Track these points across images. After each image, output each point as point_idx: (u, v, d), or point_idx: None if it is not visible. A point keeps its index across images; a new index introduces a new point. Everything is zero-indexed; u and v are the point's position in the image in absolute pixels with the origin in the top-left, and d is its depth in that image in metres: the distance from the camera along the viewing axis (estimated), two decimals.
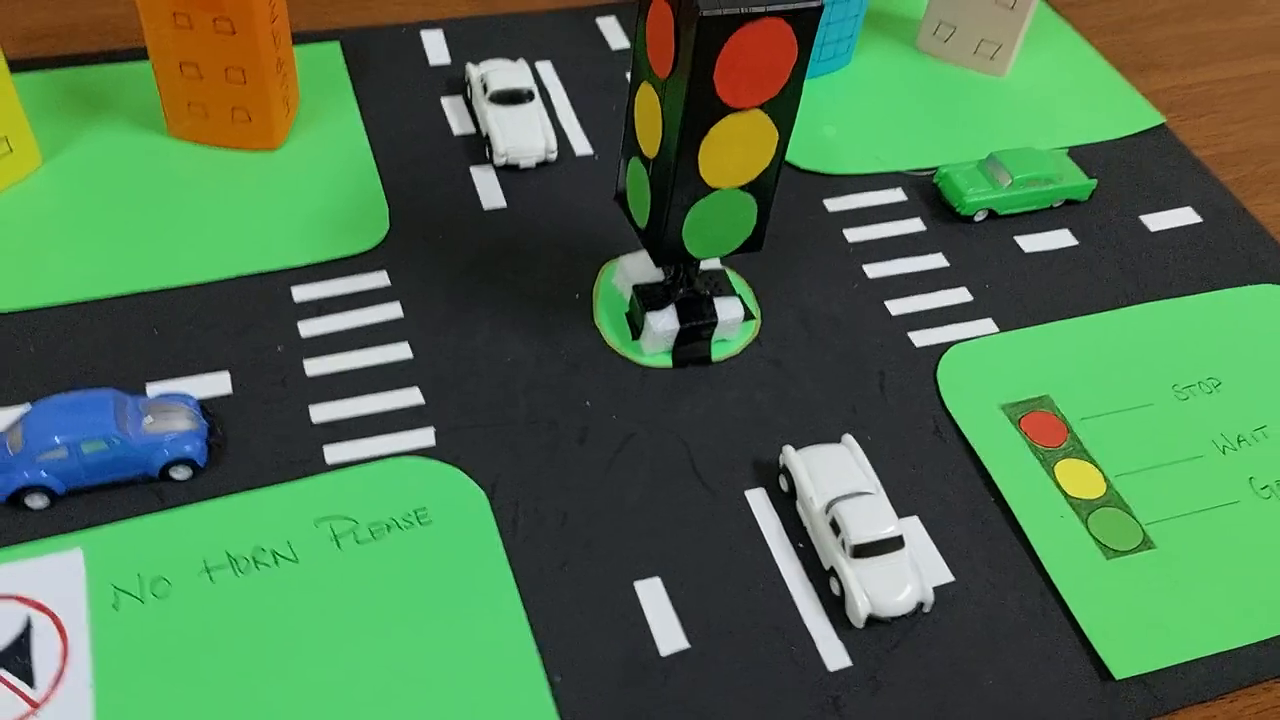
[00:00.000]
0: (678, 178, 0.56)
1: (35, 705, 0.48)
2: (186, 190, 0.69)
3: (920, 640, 0.54)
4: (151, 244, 0.66)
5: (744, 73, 0.52)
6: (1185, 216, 0.79)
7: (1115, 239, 0.76)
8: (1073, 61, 0.90)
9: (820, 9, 0.51)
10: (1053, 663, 0.54)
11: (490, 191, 0.73)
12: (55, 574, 0.52)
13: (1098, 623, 0.56)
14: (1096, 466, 0.63)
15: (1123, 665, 0.54)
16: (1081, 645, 0.55)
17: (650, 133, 0.57)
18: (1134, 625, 0.56)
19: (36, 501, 0.53)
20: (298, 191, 0.70)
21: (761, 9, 0.50)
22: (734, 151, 0.55)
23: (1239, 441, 0.65)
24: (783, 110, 0.55)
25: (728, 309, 0.65)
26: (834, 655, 0.54)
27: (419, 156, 0.74)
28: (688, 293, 0.65)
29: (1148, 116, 0.86)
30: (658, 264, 0.61)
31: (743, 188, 0.58)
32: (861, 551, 0.55)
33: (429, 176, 0.73)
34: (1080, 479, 0.62)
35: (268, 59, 0.67)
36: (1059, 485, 0.61)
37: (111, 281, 0.64)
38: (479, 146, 0.75)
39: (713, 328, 0.65)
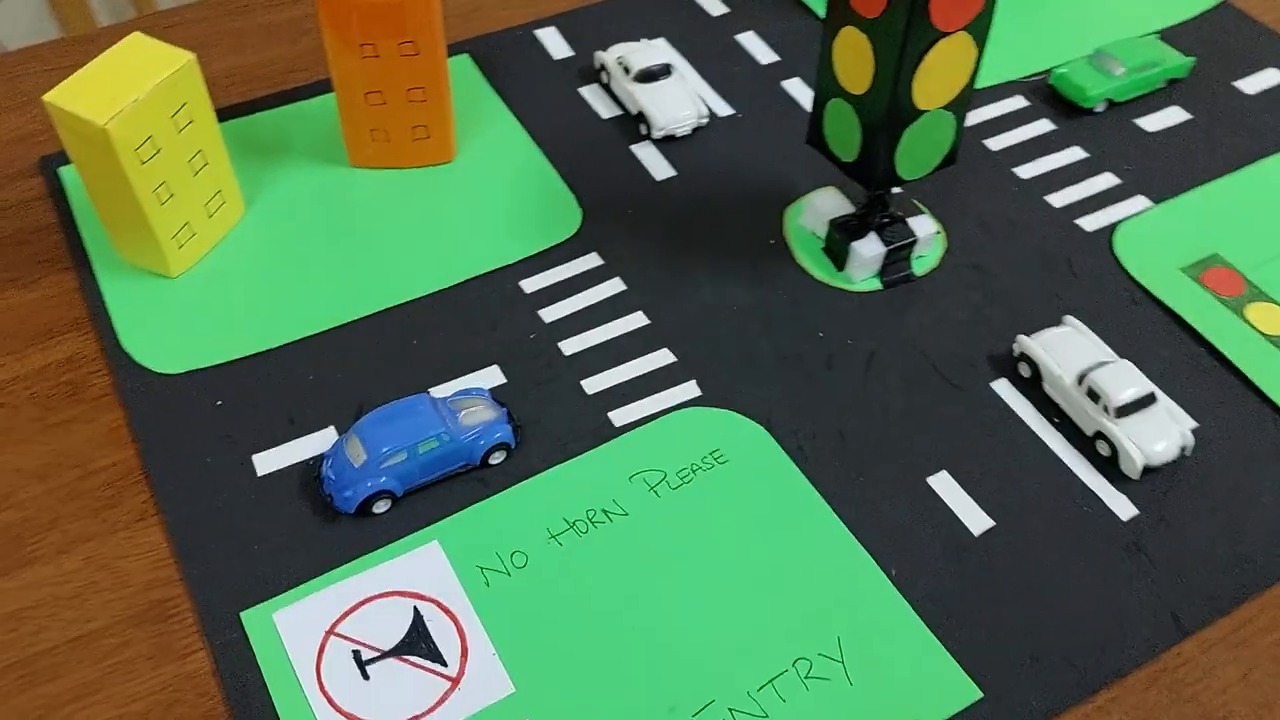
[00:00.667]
0: (895, 106, 0.60)
1: (455, 680, 0.52)
2: (383, 212, 0.73)
3: (1191, 478, 0.60)
4: (373, 266, 0.70)
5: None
6: (1273, 77, 0.85)
7: (1221, 107, 0.82)
8: None
9: None
10: None
11: (656, 164, 0.77)
12: (422, 567, 0.56)
13: None
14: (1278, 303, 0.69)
15: None
16: None
17: (858, 72, 0.61)
18: None
19: (381, 507, 0.57)
20: (487, 195, 0.74)
21: None
22: (942, 73, 0.60)
23: None
24: (981, 27, 0.60)
25: (922, 226, 0.70)
26: (1121, 507, 0.59)
27: (581, 144, 0.78)
28: (883, 217, 0.70)
29: None
30: (873, 190, 0.66)
31: (945, 107, 0.63)
32: (1125, 411, 0.60)
33: (598, 161, 0.77)
34: (1271, 318, 0.68)
35: (445, 75, 0.71)
36: (1254, 327, 0.68)
37: (351, 307, 0.67)
38: (631, 125, 0.80)
39: (912, 245, 0.70)
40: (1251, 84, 0.84)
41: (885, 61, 0.59)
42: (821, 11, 0.89)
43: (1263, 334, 0.67)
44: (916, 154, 0.64)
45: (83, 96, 0.60)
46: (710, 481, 0.60)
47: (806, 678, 0.53)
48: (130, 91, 0.60)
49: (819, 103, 0.66)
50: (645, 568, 0.56)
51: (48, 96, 0.60)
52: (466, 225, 0.72)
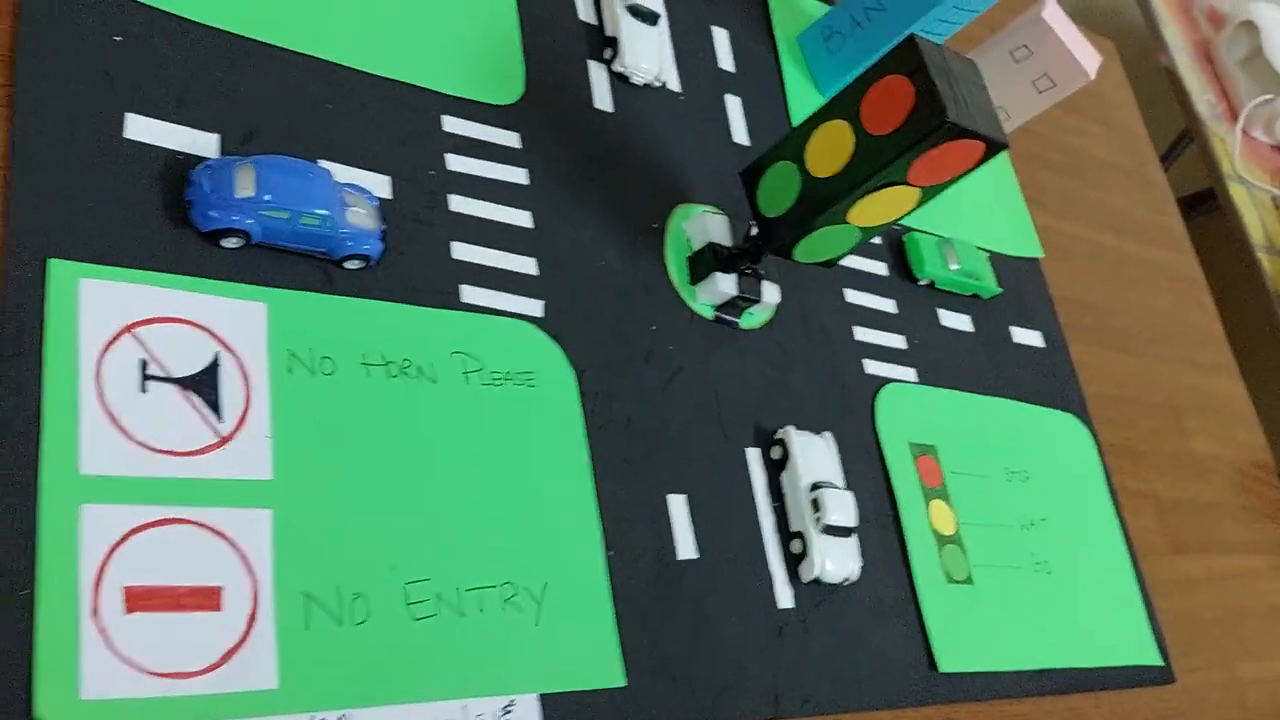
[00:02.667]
0: (833, 208, 0.68)
1: (223, 440, 0.52)
2: None
3: (838, 604, 0.72)
4: (334, 9, 0.66)
5: (935, 166, 0.65)
6: (1035, 339, 1.02)
7: (993, 338, 0.97)
8: (998, 173, 1.11)
9: (1006, 146, 0.65)
10: (907, 646, 0.74)
11: (601, 91, 0.79)
12: (241, 320, 0.55)
13: (937, 627, 0.77)
14: (953, 511, 0.84)
15: (946, 662, 0.75)
16: (924, 640, 0.76)
17: (826, 160, 0.68)
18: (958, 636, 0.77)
19: (231, 243, 0.56)
20: (453, 12, 0.73)
21: (983, 132, 0.63)
22: (881, 206, 0.68)
23: (1030, 524, 0.89)
24: (929, 195, 0.68)
25: (770, 293, 0.78)
26: (784, 596, 0.70)
27: (550, 25, 0.79)
28: (748, 268, 0.77)
29: (1033, 246, 1.08)
30: (768, 252, 0.73)
31: (861, 228, 0.71)
32: (831, 530, 0.71)
33: (557, 53, 0.78)
34: (943, 517, 0.83)
35: None
36: (929, 519, 0.82)
37: (296, 35, 0.64)
38: (598, 41, 0.81)
39: (754, 303, 0.77)
40: (1021, 335, 1.01)
41: (854, 172, 0.66)
42: (781, 53, 0.95)
43: (933, 527, 0.81)
44: (816, 247, 0.72)
45: None
46: (512, 394, 0.64)
47: (506, 601, 0.58)
48: None
49: (773, 155, 0.72)
50: (427, 436, 0.59)
51: None
52: (428, 31, 0.71)
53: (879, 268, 0.92)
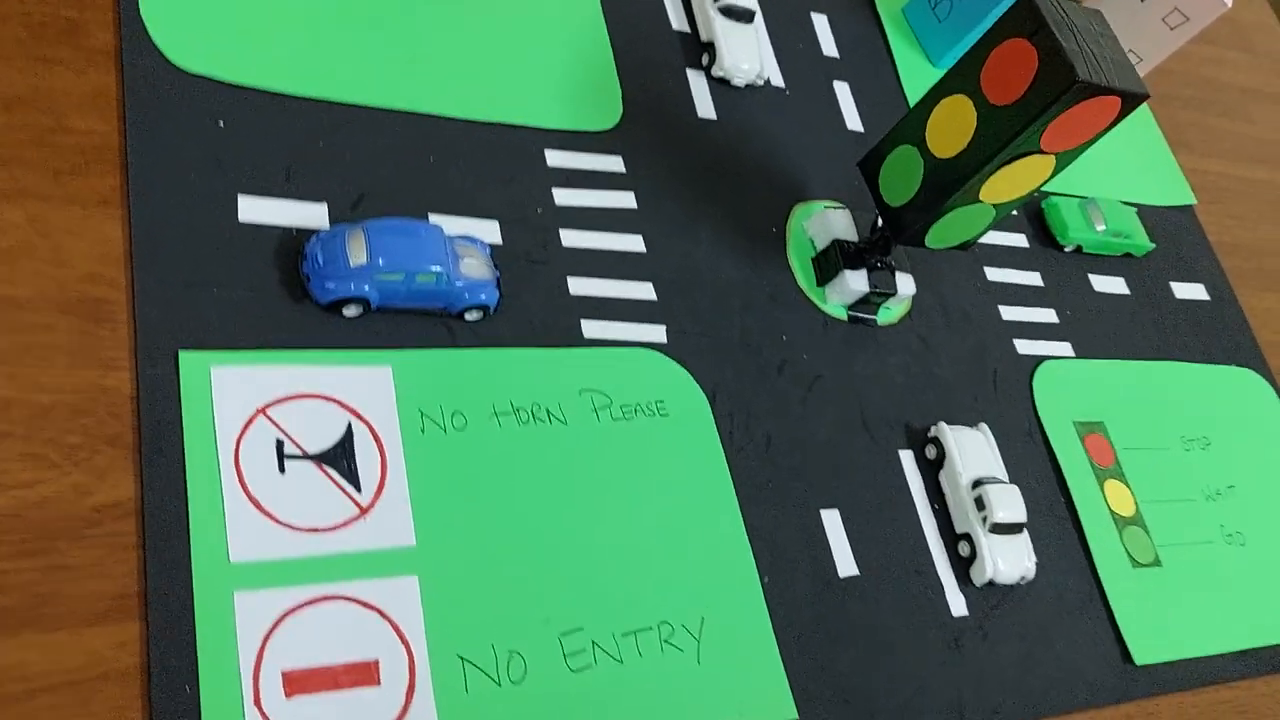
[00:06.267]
0: (963, 189, 0.64)
1: (363, 510, 0.52)
2: (448, 5, 0.69)
3: (1016, 605, 0.68)
4: (419, 57, 0.66)
5: (1069, 129, 0.60)
6: (1198, 292, 0.95)
7: (1153, 297, 0.91)
8: (1135, 121, 1.03)
9: (1148, 97, 0.60)
10: (1096, 641, 0.69)
11: (704, 100, 0.77)
12: (370, 387, 0.55)
13: (1127, 618, 0.71)
14: (1130, 490, 0.78)
15: (1142, 654, 0.70)
16: (1114, 632, 0.71)
17: (949, 139, 0.64)
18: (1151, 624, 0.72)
19: (351, 311, 0.56)
20: (543, 44, 0.72)
21: (1118, 85, 0.58)
22: (1016, 180, 0.64)
23: (1216, 494, 0.82)
24: (1067, 160, 0.64)
25: (905, 284, 0.74)
26: (957, 604, 0.66)
27: (644, 42, 0.77)
28: (879, 261, 0.73)
29: (1184, 193, 1.00)
30: (898, 243, 0.69)
31: (995, 205, 0.66)
32: (999, 529, 0.67)
33: (654, 68, 0.76)
34: (1120, 497, 0.77)
35: None
36: (1106, 499, 0.76)
37: (389, 92, 0.64)
38: (695, 50, 0.79)
39: (889, 297, 0.74)
40: (1182, 290, 0.94)
41: (981, 148, 0.62)
42: (888, 28, 0.91)
43: (1111, 509, 0.76)
44: (949, 230, 0.68)
45: None
46: (646, 427, 0.62)
47: (665, 641, 0.56)
48: None
49: (891, 140, 0.68)
50: (565, 480, 0.58)
51: None
52: (518, 66, 0.70)
53: (1018, 239, 0.86)
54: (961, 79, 0.63)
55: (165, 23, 0.59)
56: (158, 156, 0.55)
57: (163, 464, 0.49)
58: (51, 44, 0.56)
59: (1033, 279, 0.85)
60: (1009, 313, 0.81)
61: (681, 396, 0.64)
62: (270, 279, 0.55)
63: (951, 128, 0.64)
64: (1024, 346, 0.80)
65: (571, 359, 0.61)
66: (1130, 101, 0.60)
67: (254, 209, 0.57)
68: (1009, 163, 0.62)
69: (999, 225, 0.85)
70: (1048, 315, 0.83)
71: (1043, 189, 0.88)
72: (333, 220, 0.58)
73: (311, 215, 0.58)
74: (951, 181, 0.64)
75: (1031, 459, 0.75)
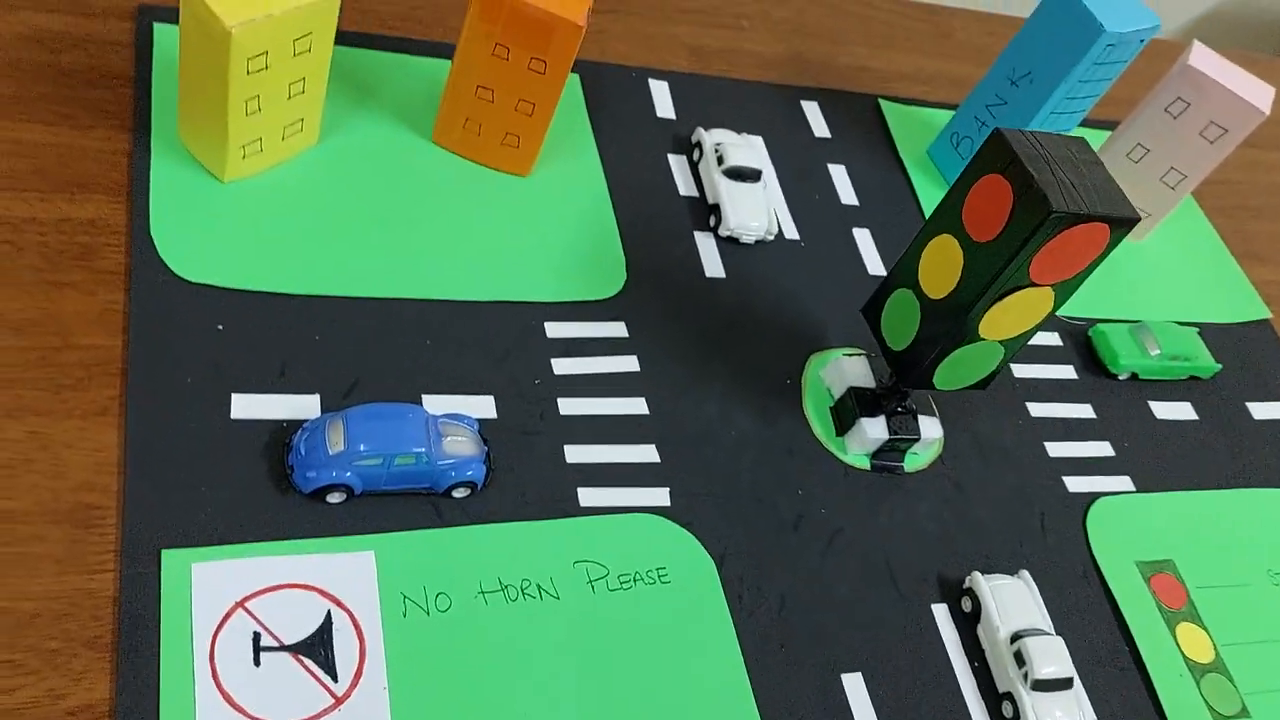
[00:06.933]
0: (959, 327, 0.62)
1: (338, 701, 0.52)
2: (444, 200, 0.72)
3: None
4: (416, 249, 0.69)
5: (1057, 259, 0.58)
6: (1278, 411, 0.88)
7: (1226, 420, 0.85)
8: (1195, 237, 0.99)
9: (1138, 220, 0.58)
10: None
11: (711, 259, 0.78)
12: (351, 572, 0.55)
13: None
14: (1207, 633, 0.72)
15: None
16: None
17: (941, 280, 0.63)
18: None
19: (335, 498, 0.57)
20: (545, 224, 0.74)
21: (1100, 211, 0.56)
22: (1014, 314, 0.62)
23: None
24: (1067, 290, 0.61)
25: (930, 428, 0.71)
26: None
27: (650, 210, 0.78)
28: (898, 405, 0.71)
29: (1256, 308, 0.95)
30: (905, 386, 0.67)
31: (1001, 341, 0.64)
32: (1042, 685, 0.62)
33: (659, 233, 0.77)
34: (1197, 643, 0.71)
35: (557, 100, 0.71)
36: (1179, 646, 0.70)
37: (386, 283, 0.67)
38: (702, 212, 0.80)
39: (914, 442, 0.71)
40: (1261, 410, 0.88)
41: (970, 286, 0.61)
42: (911, 171, 0.90)
43: (1185, 656, 0.69)
44: (957, 370, 0.65)
45: None
46: (646, 596, 0.60)
47: None
48: (268, 4, 0.59)
49: (888, 284, 0.67)
50: (556, 657, 0.56)
51: None
52: (517, 246, 0.72)
53: (1065, 371, 0.83)
54: (945, 219, 0.62)
55: (173, 240, 0.63)
56: (157, 365, 0.59)
57: (139, 663, 0.50)
58: (66, 269, 0.61)
59: (1083, 411, 0.81)
60: (1056, 448, 0.77)
61: (684, 561, 0.62)
62: (259, 472, 0.57)
63: (941, 268, 0.63)
64: (1075, 484, 0.76)
65: (565, 530, 0.61)
66: (1119, 226, 0.58)
67: (247, 406, 0.59)
68: (1001, 298, 0.60)
69: (1038, 357, 0.82)
70: (1101, 449, 0.79)
71: (1088, 314, 0.86)
72: (324, 410, 0.60)
73: (303, 406, 0.60)
74: (947, 322, 0.62)
75: (1088, 605, 0.70)
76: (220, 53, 0.59)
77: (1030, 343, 0.83)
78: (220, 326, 0.61)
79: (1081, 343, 0.85)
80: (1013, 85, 0.84)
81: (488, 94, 0.70)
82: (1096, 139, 1.00)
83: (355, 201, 0.70)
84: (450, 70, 0.70)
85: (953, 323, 0.62)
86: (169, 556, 0.53)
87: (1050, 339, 0.84)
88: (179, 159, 0.67)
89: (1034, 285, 0.60)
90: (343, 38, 0.78)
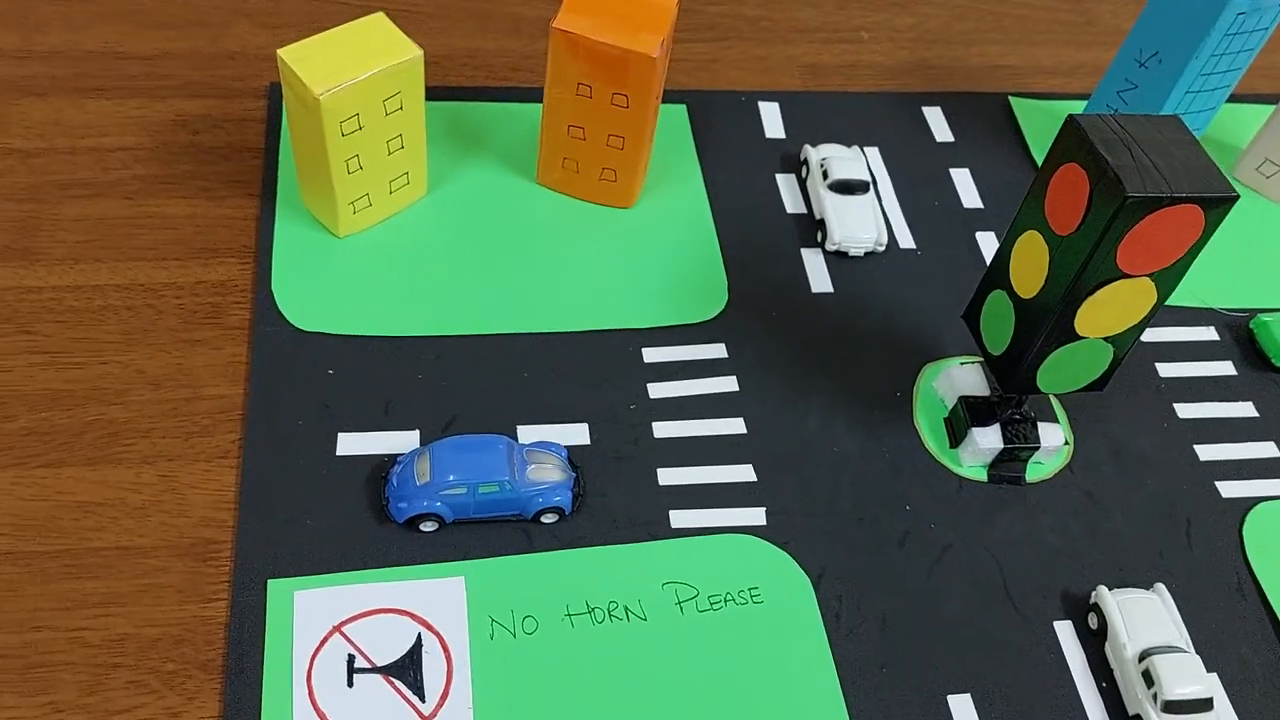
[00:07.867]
0: (1053, 326, 0.58)
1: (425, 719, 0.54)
2: (549, 238, 0.75)
3: None
4: (520, 287, 0.72)
5: (1147, 247, 0.55)
6: None
7: None
8: None
9: (1236, 199, 0.53)
10: None
11: (819, 275, 0.77)
12: (441, 597, 0.58)
13: None
14: None
15: None
16: None
17: (1030, 277, 0.60)
18: None
19: (428, 526, 0.60)
20: (647, 252, 0.75)
21: (1184, 194, 0.52)
22: (1112, 309, 0.58)
23: None
24: (1169, 279, 0.57)
25: (1050, 435, 0.68)
26: None
27: (755, 231, 0.78)
28: (1014, 413, 0.68)
29: None
30: (1007, 392, 0.64)
31: (1106, 338, 0.60)
32: (1173, 707, 0.57)
33: (764, 253, 0.77)
34: None
35: (648, 130, 0.72)
36: None
37: (488, 320, 0.70)
38: (810, 228, 0.79)
39: (1033, 451, 0.67)
40: None
41: (1058, 280, 0.57)
42: None
43: None
44: (1062, 372, 0.62)
45: (311, 60, 0.64)
46: (737, 617, 0.60)
47: None
48: (353, 70, 0.64)
49: (984, 287, 0.64)
50: (643, 679, 0.57)
51: (282, 52, 0.64)
52: (618, 277, 0.74)
53: (1223, 367, 0.76)
54: (1029, 215, 0.59)
55: (291, 294, 0.69)
56: (273, 409, 0.64)
57: (244, 684, 0.54)
58: (198, 327, 0.67)
59: (1243, 410, 0.74)
60: (1209, 451, 0.71)
61: (779, 580, 0.61)
62: (360, 505, 0.61)
63: (1029, 266, 0.60)
64: (1230, 489, 0.70)
65: (654, 552, 0.61)
66: (1215, 206, 0.53)
67: (351, 443, 0.63)
68: (1093, 292, 0.57)
69: (1192, 355, 0.76)
70: (1263, 449, 0.72)
71: (1249, 304, 0.79)
72: (421, 444, 0.64)
73: (404, 442, 0.64)
74: (1038, 321, 0.59)
75: (1241, 620, 0.63)
76: (315, 118, 0.64)
77: (1181, 339, 0.78)
78: (331, 371, 0.66)
79: (1242, 336, 0.78)
80: (1141, 67, 0.79)
81: (579, 132, 0.73)
82: (1254, 115, 0.92)
83: (461, 245, 0.74)
84: (542, 113, 0.73)
85: (1043, 322, 0.59)
86: (274, 585, 0.57)
87: (1204, 333, 0.78)
88: (301, 220, 0.73)
89: (1127, 276, 0.56)
90: (450, 92, 0.83)
